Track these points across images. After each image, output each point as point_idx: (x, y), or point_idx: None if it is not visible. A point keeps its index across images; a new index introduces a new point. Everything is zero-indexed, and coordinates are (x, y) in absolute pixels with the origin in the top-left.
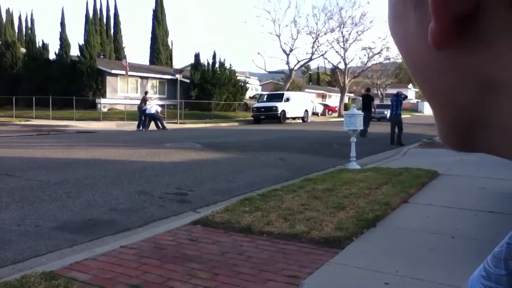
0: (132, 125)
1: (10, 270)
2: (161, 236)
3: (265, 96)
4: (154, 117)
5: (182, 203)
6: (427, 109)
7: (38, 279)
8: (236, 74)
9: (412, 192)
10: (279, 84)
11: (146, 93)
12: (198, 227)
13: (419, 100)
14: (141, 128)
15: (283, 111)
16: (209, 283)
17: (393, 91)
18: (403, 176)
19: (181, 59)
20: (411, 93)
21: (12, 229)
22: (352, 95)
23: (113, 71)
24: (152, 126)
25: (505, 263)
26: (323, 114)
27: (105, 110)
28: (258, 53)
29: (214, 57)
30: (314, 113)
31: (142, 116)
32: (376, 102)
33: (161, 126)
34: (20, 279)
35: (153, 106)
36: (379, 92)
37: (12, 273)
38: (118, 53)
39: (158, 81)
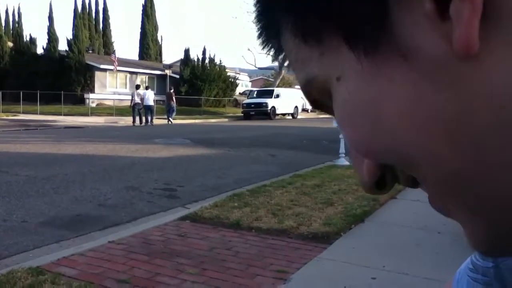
0: (121, 120)
1: None
2: (149, 231)
3: (255, 92)
4: (151, 109)
5: (171, 198)
6: None
7: (25, 274)
8: (226, 70)
9: (400, 188)
10: (269, 80)
11: (142, 87)
12: (186, 222)
13: None
14: (143, 123)
15: (273, 107)
16: (198, 278)
17: None
18: None
19: (171, 55)
20: None
21: None
22: None
23: (102, 66)
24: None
25: None
26: (313, 110)
27: (93, 105)
28: (248, 49)
29: (204, 52)
30: (304, 110)
31: (136, 110)
32: None
33: (150, 121)
34: (7, 274)
35: (151, 96)
36: None
37: None
38: (107, 48)
39: (147, 76)
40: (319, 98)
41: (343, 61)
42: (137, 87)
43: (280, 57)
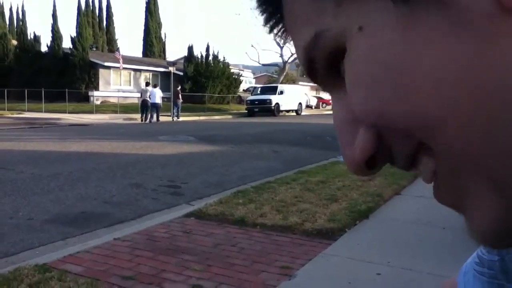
0: (126, 118)
1: (3, 263)
2: (154, 228)
3: (259, 89)
4: (157, 107)
5: (175, 195)
6: None
7: (32, 271)
8: (230, 67)
9: (404, 184)
10: (273, 77)
11: (152, 84)
12: (191, 219)
13: None
14: (149, 120)
15: (277, 104)
16: (203, 275)
17: None
18: (396, 168)
19: (174, 52)
20: None
21: (4, 222)
22: None
23: (106, 64)
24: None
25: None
26: (317, 106)
27: (98, 103)
28: (252, 46)
29: (207, 49)
30: (308, 106)
31: (145, 108)
32: None
33: (156, 118)
34: (14, 271)
35: (158, 93)
36: None
37: (5, 265)
38: (111, 45)
39: (151, 73)
40: (319, 60)
41: (367, 11)
42: (147, 84)
43: (273, 20)
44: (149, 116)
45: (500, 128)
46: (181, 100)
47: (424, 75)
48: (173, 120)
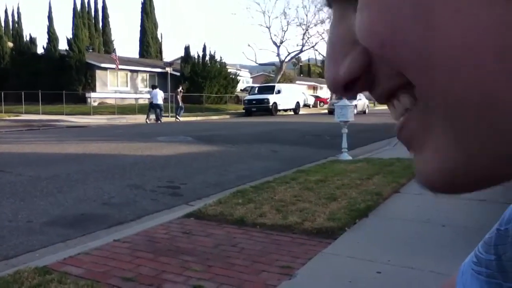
0: (123, 119)
1: (3, 266)
2: (154, 229)
3: (256, 88)
4: (159, 108)
5: (174, 196)
6: None
7: (32, 274)
8: (227, 67)
9: (403, 182)
10: (270, 76)
11: (153, 86)
12: (191, 220)
13: None
14: (158, 120)
15: (275, 103)
16: (203, 275)
17: None
18: (395, 167)
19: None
20: None
21: (3, 225)
22: None
23: (103, 65)
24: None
25: (495, 248)
26: (315, 105)
27: (95, 104)
28: (249, 45)
29: (204, 49)
30: (306, 105)
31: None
32: None
33: (159, 119)
34: (14, 274)
35: (159, 95)
36: None
37: (5, 268)
38: (107, 46)
39: (148, 74)
40: None
41: None
42: (153, 87)
43: None
44: (158, 116)
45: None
46: (180, 101)
47: (448, 15)
48: (176, 120)
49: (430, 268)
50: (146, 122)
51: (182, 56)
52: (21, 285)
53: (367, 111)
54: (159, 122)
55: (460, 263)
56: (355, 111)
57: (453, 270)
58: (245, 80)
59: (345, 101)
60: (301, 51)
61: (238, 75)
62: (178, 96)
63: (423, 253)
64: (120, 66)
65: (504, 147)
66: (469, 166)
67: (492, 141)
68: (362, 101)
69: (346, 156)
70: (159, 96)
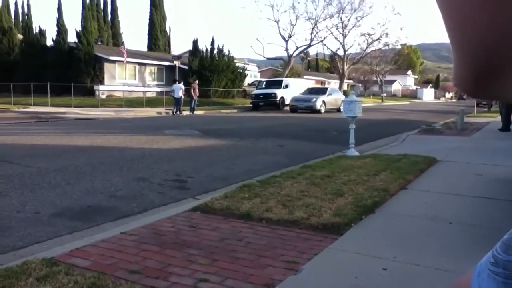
0: (130, 112)
1: (11, 256)
2: (160, 222)
3: (264, 82)
4: (178, 101)
5: (181, 189)
6: (426, 96)
7: (39, 265)
8: (235, 61)
9: (410, 179)
10: (278, 70)
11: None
12: (197, 213)
13: (419, 87)
14: (178, 112)
15: (282, 98)
16: (208, 269)
17: (392, 77)
18: (402, 163)
19: (179, 46)
20: (410, 80)
21: (12, 216)
22: (351, 81)
23: (111, 58)
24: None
25: None
26: None
27: (103, 97)
28: (257, 40)
29: (212, 43)
30: None
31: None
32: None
33: (179, 111)
34: (21, 265)
35: (177, 89)
36: (378, 79)
37: (13, 259)
38: (116, 39)
39: (156, 67)
40: None
41: None
42: (174, 81)
43: None
44: (176, 109)
45: None
46: (182, 91)
47: None
48: (190, 113)
49: (437, 265)
50: (176, 114)
51: (190, 50)
52: (29, 276)
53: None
54: (179, 114)
55: (467, 261)
56: (323, 108)
57: (460, 268)
58: (252, 74)
59: (353, 97)
60: (309, 45)
61: (246, 69)
62: (193, 89)
63: (430, 250)
64: (128, 59)
65: None
66: None
67: None
68: (332, 96)
69: (353, 151)
70: (178, 90)
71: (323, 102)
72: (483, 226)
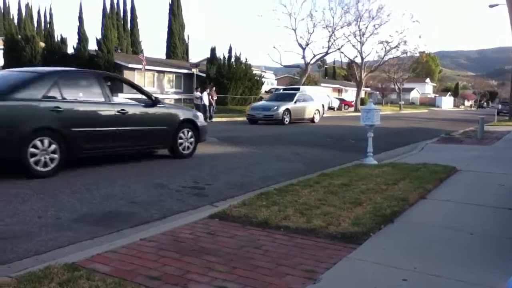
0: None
1: (34, 261)
2: (179, 229)
3: (281, 89)
4: (205, 109)
5: (199, 196)
6: (445, 104)
7: (61, 270)
8: (252, 68)
9: (430, 188)
10: (295, 78)
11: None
12: (215, 220)
13: (437, 95)
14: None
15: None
16: (227, 276)
17: (411, 85)
18: (421, 172)
19: (197, 53)
20: (428, 87)
21: (34, 221)
22: (368, 89)
23: (130, 65)
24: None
25: None
26: (339, 108)
27: None
28: (274, 47)
29: (230, 51)
30: (330, 108)
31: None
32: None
33: (209, 117)
34: (44, 269)
35: (205, 97)
36: (396, 87)
37: (36, 264)
38: (135, 47)
39: (174, 75)
40: None
41: None
42: (196, 89)
43: None
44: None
45: None
46: (215, 99)
47: None
48: (208, 120)
49: (458, 277)
50: (209, 120)
51: (208, 57)
52: (51, 281)
53: (316, 118)
54: (210, 120)
55: (489, 272)
56: (287, 118)
57: (482, 280)
58: (269, 82)
59: (371, 105)
60: (326, 53)
61: (263, 76)
62: (211, 96)
63: (450, 261)
64: (147, 67)
65: None
66: None
67: None
68: (301, 104)
69: (371, 160)
70: (204, 97)
71: (287, 110)
72: (505, 237)
